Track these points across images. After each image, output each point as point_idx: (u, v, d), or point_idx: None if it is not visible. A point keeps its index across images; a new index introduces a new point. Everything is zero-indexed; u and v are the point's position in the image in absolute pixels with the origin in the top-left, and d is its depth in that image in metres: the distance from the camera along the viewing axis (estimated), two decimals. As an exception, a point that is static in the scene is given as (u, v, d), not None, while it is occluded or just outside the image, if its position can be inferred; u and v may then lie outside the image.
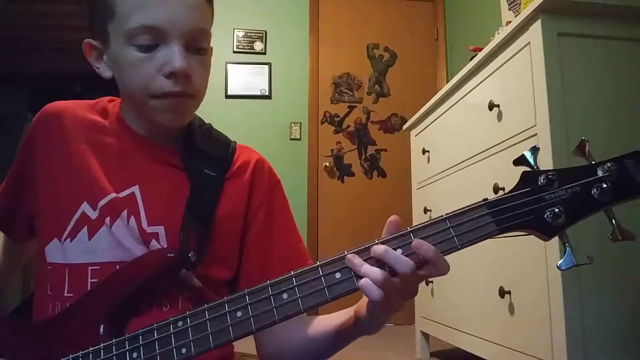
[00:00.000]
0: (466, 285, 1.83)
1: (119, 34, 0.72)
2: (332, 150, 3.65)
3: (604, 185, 0.57)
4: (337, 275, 0.59)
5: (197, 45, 0.75)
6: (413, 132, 2.55)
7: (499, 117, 1.60)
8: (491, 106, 1.61)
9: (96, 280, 0.72)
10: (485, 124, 1.69)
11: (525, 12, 1.40)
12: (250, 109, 3.61)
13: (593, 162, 0.60)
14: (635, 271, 1.29)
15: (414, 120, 2.48)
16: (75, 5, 1.20)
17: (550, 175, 0.59)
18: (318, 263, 0.61)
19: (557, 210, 0.57)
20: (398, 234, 0.60)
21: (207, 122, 0.90)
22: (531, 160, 0.61)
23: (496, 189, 1.55)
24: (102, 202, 0.75)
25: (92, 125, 0.82)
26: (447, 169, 2.06)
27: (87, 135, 0.81)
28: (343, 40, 3.80)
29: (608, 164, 0.59)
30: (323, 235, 3.52)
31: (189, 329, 0.60)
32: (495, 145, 1.62)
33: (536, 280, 1.35)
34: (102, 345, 0.63)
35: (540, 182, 0.59)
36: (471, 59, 1.81)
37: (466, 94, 1.87)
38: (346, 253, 0.60)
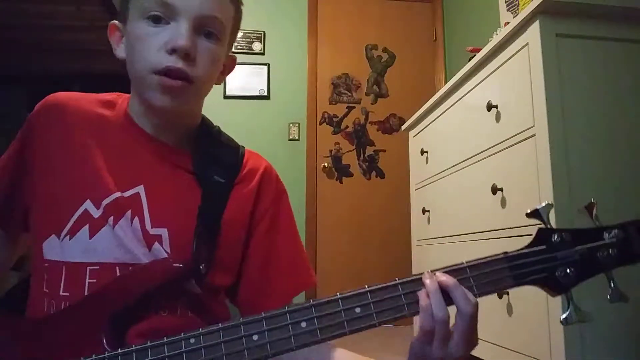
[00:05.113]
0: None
1: (136, 9, 0.73)
2: (331, 150, 3.65)
3: (610, 251, 0.63)
4: (357, 310, 0.60)
5: (207, 31, 0.74)
6: (411, 133, 2.56)
7: (497, 117, 1.60)
8: (489, 107, 1.61)
9: (94, 280, 0.70)
10: (483, 125, 1.69)
11: (524, 13, 1.40)
12: (248, 109, 3.61)
13: (599, 225, 0.65)
14: (633, 271, 1.29)
15: (413, 120, 2.49)
16: (75, 6, 1.20)
17: (563, 235, 0.64)
18: (338, 295, 0.61)
19: (568, 270, 0.63)
20: (415, 277, 0.62)
21: None
22: (544, 217, 0.65)
23: (494, 190, 1.55)
24: (106, 201, 0.73)
25: (96, 119, 0.80)
26: (445, 170, 2.06)
27: (91, 129, 0.78)
28: (342, 41, 3.80)
29: (615, 230, 0.64)
30: (321, 236, 3.52)
31: (202, 349, 0.58)
32: (493, 146, 1.62)
33: (534, 281, 1.35)
34: (106, 354, 0.60)
35: (554, 239, 0.64)
36: (469, 60, 1.82)
37: (464, 95, 1.87)
38: (367, 288, 0.61)
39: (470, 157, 1.80)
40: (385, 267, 3.48)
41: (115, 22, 0.80)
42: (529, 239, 0.64)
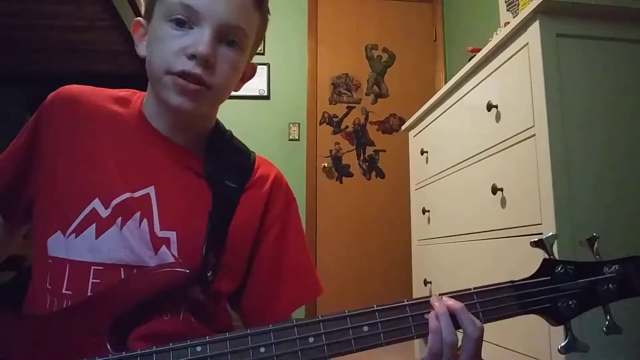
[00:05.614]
0: (464, 285, 1.82)
1: (161, 10, 0.73)
2: (331, 150, 3.66)
3: (610, 286, 0.67)
4: (365, 328, 0.61)
5: (230, 39, 0.73)
6: (411, 133, 2.56)
7: (497, 117, 1.60)
8: (489, 107, 1.61)
9: (98, 281, 0.70)
10: (483, 125, 1.69)
11: (524, 13, 1.40)
12: (248, 109, 3.61)
13: (599, 259, 0.68)
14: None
15: (413, 120, 2.49)
16: (75, 6, 1.20)
17: (567, 267, 0.67)
18: (347, 312, 0.62)
19: (570, 302, 0.66)
20: (423, 300, 0.64)
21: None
22: (549, 247, 0.67)
23: (494, 190, 1.55)
24: (115, 201, 0.72)
25: (109, 116, 0.79)
26: (445, 170, 2.06)
27: (102, 125, 0.77)
28: (341, 41, 3.80)
29: (615, 266, 0.67)
30: (321, 236, 3.52)
31: (209, 358, 0.58)
32: (493, 146, 1.62)
33: (534, 281, 1.35)
34: (110, 357, 0.60)
35: (557, 271, 0.66)
36: (469, 60, 1.82)
37: (464, 95, 1.87)
38: (376, 307, 0.62)
39: (470, 157, 1.80)
40: (385, 267, 3.48)
41: (140, 19, 0.79)
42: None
